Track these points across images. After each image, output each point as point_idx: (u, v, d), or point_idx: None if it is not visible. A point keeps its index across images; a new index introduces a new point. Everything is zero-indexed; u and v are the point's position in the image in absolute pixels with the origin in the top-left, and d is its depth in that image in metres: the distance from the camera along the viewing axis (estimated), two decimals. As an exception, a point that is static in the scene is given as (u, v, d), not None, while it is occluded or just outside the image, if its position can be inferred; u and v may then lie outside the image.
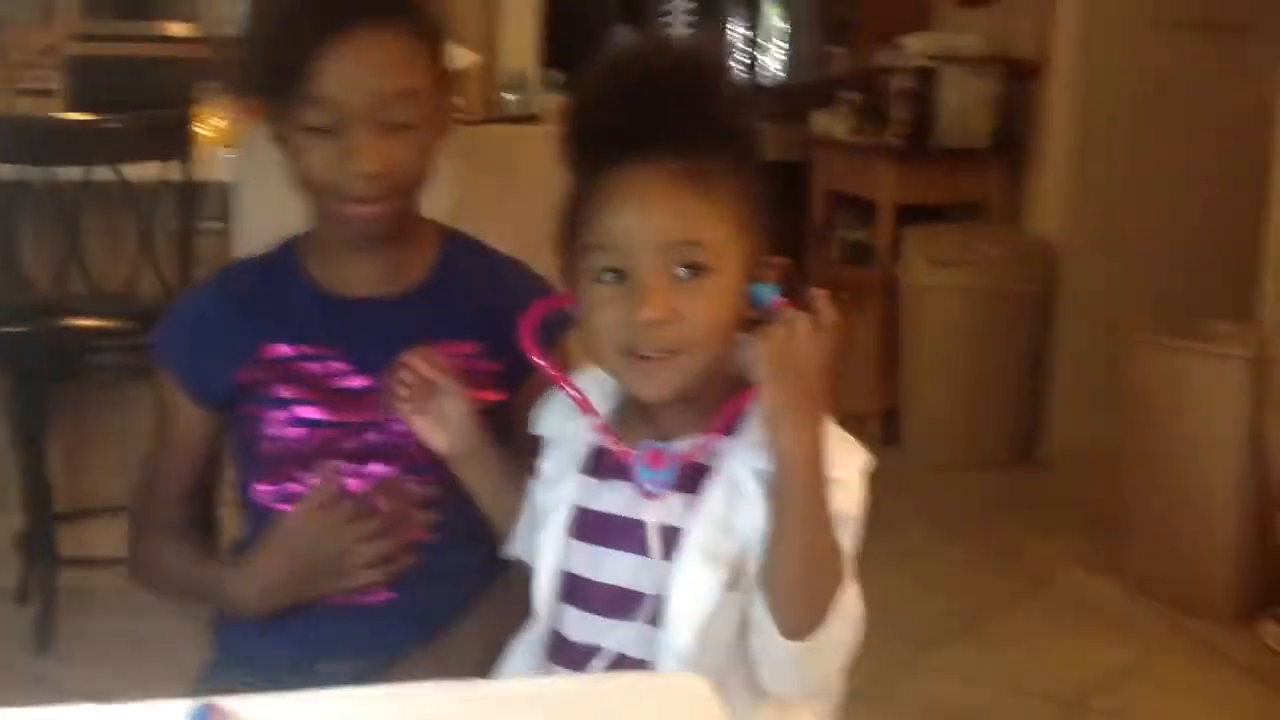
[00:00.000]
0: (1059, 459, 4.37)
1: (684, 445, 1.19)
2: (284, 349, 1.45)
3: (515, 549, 1.35)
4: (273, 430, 1.44)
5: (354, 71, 1.33)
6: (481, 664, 1.33)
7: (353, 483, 1.44)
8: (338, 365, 1.45)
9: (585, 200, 1.18)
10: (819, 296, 1.13)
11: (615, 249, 1.15)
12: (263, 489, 1.47)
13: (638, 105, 1.16)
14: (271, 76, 1.35)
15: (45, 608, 2.91)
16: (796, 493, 1.12)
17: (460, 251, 1.51)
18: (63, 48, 4.36)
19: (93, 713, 1.04)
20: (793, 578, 1.14)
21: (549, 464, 1.28)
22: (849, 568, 1.17)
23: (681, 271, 1.14)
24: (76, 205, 2.79)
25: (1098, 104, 4.31)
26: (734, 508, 1.17)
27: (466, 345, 1.44)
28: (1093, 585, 3.42)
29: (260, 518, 1.47)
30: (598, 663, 1.21)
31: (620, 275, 1.16)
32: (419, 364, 1.31)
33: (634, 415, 1.24)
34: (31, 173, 2.76)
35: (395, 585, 1.45)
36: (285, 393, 1.44)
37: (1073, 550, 3.64)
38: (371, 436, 1.44)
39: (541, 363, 1.27)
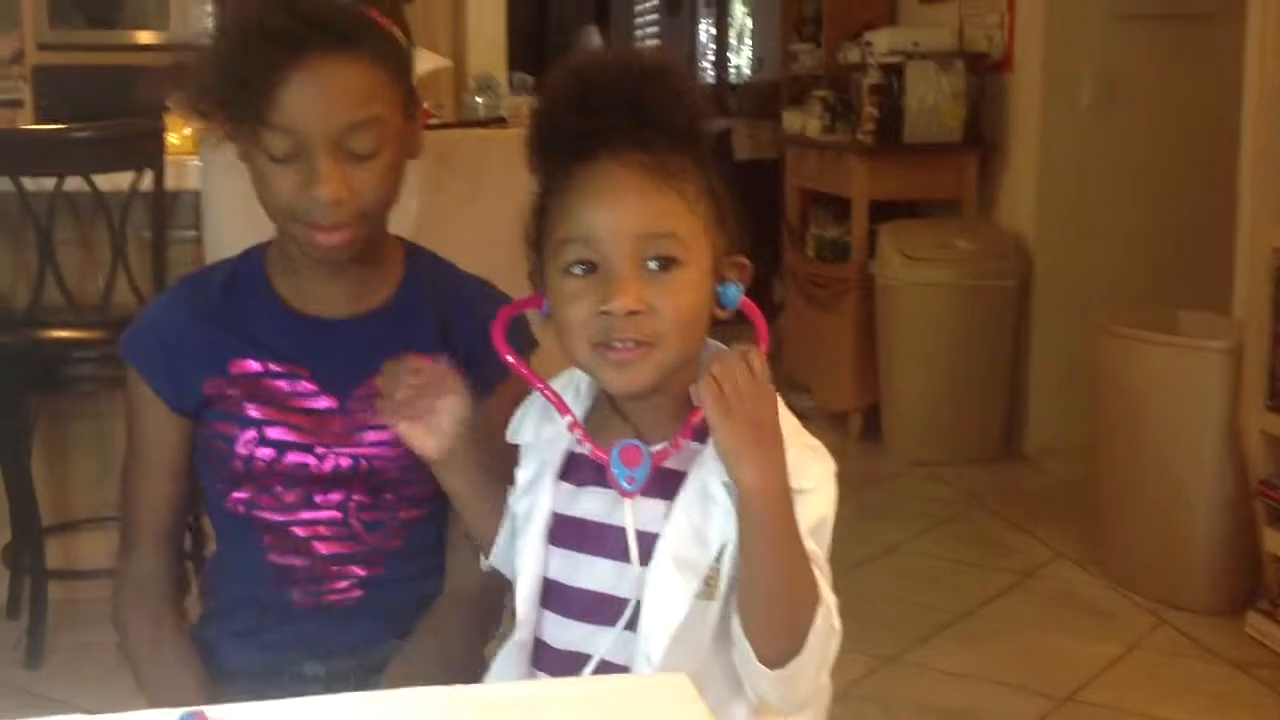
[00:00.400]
0: (1040, 453, 4.39)
1: (658, 446, 1.19)
2: (252, 365, 1.45)
3: (494, 559, 1.34)
4: (243, 450, 1.45)
5: (314, 101, 1.31)
6: (457, 668, 1.34)
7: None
8: (305, 385, 1.45)
9: (555, 197, 1.19)
10: (748, 352, 1.12)
11: (588, 241, 1.16)
12: (239, 497, 1.48)
13: (605, 106, 1.17)
14: (233, 103, 1.33)
15: (35, 622, 2.89)
16: (763, 525, 1.12)
17: (423, 271, 1.50)
18: (29, 57, 4.35)
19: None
20: (765, 609, 1.14)
21: (525, 471, 1.28)
22: (825, 580, 1.17)
23: (653, 264, 1.15)
24: (49, 216, 2.76)
25: (1064, 96, 4.34)
26: (705, 516, 1.17)
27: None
28: (1077, 579, 3.44)
29: (236, 525, 1.49)
30: (580, 669, 1.20)
31: (592, 268, 1.16)
32: (416, 368, 1.28)
33: (608, 418, 1.24)
34: (2, 184, 2.73)
35: (365, 586, 1.48)
36: (254, 412, 1.44)
37: (1056, 544, 3.65)
38: (344, 459, 1.45)
39: (514, 362, 1.27)
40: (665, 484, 1.19)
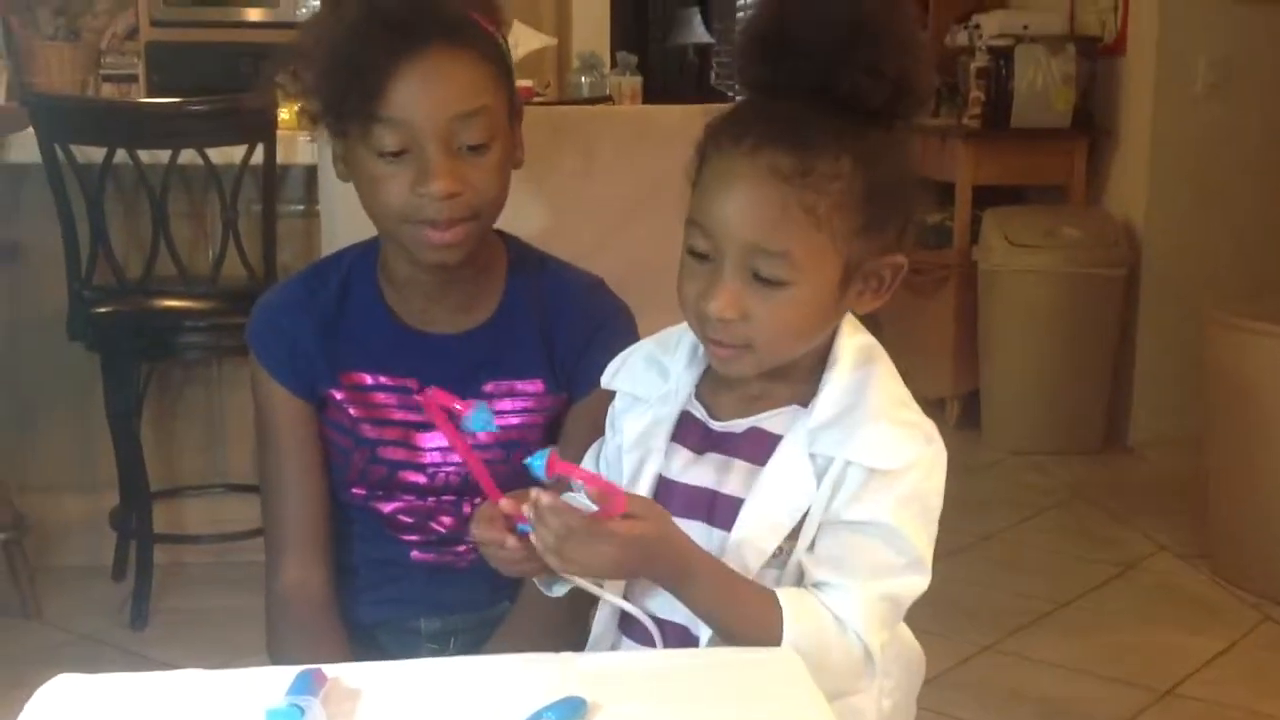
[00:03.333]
0: (1145, 444, 4.31)
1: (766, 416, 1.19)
2: (363, 377, 1.46)
3: None
4: (358, 463, 1.48)
5: (425, 92, 1.31)
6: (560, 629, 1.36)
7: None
8: (416, 399, 1.45)
9: (701, 167, 1.15)
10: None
11: (704, 232, 1.13)
12: (356, 492, 1.51)
13: (793, 58, 1.11)
14: (343, 100, 1.32)
15: (140, 584, 2.96)
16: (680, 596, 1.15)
17: (527, 278, 1.49)
18: (144, 34, 4.43)
19: (199, 678, 1.05)
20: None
21: (635, 423, 1.25)
22: (908, 564, 1.15)
23: (760, 278, 1.12)
24: (164, 188, 2.82)
25: (1178, 80, 4.24)
26: (791, 483, 1.16)
27: (535, 383, 1.47)
28: (1180, 572, 3.38)
29: (356, 511, 1.52)
30: (665, 634, 1.21)
31: (709, 257, 1.14)
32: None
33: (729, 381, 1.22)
34: (119, 156, 2.79)
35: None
36: (369, 432, 1.46)
37: (1160, 537, 3.59)
38: (454, 475, 1.48)
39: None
40: (761, 447, 1.18)
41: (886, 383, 1.18)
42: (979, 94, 4.53)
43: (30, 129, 2.81)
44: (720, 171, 1.13)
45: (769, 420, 1.19)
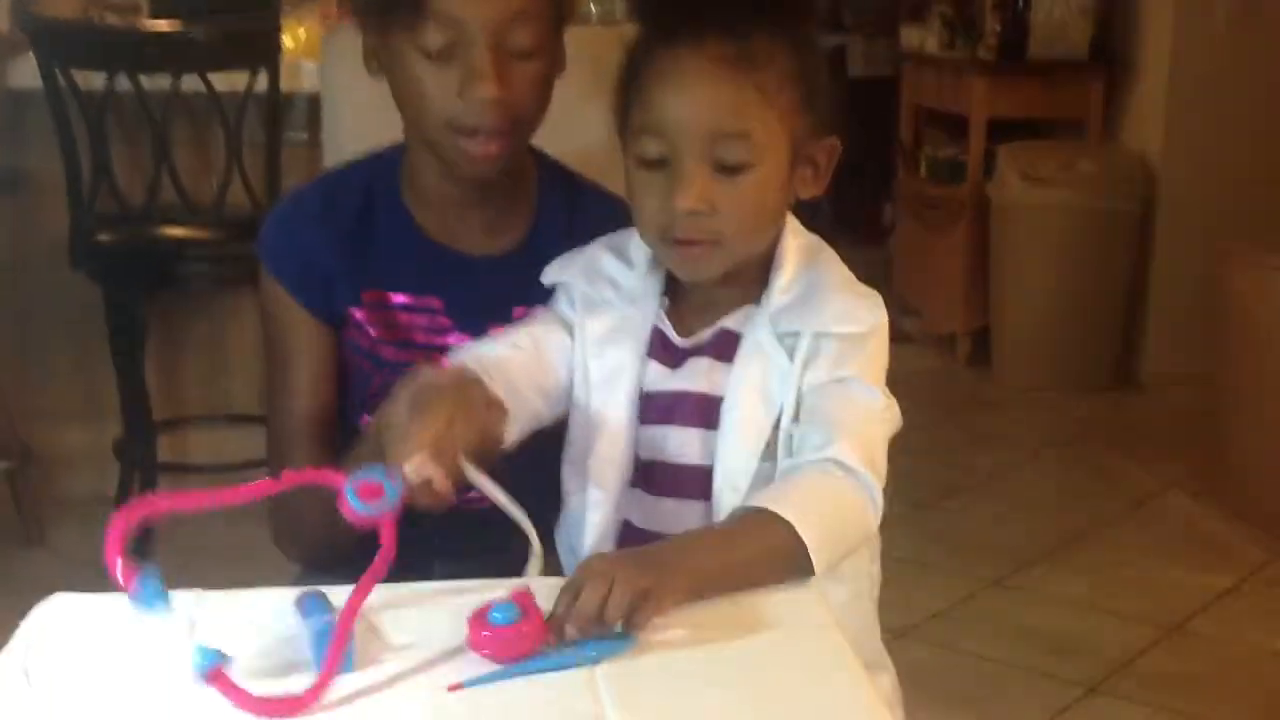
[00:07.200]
0: (1157, 381, 4.28)
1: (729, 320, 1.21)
2: (385, 295, 1.42)
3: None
4: (377, 388, 1.42)
5: None
6: None
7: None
8: (440, 320, 1.42)
9: (637, 81, 1.19)
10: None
11: (660, 133, 1.16)
12: (369, 419, 1.46)
13: None
14: None
15: (144, 515, 2.95)
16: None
17: (557, 198, 1.46)
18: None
19: (195, 598, 1.04)
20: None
21: (596, 323, 1.26)
22: (877, 432, 1.15)
23: (722, 165, 1.15)
24: (165, 115, 2.78)
25: (1199, 13, 4.18)
26: (764, 373, 1.18)
27: None
28: (1191, 509, 3.37)
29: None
30: None
31: (664, 161, 1.16)
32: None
33: (688, 290, 1.25)
34: (120, 82, 2.75)
35: None
36: (389, 354, 1.42)
37: (1171, 474, 3.58)
38: None
39: None
40: (731, 346, 1.20)
41: (836, 265, 1.22)
42: (995, 25, 4.48)
43: (30, 54, 2.77)
44: (665, 72, 1.16)
45: (731, 320, 1.22)
